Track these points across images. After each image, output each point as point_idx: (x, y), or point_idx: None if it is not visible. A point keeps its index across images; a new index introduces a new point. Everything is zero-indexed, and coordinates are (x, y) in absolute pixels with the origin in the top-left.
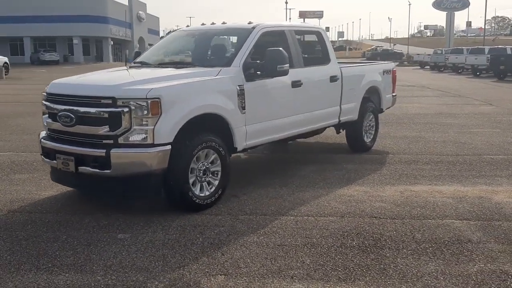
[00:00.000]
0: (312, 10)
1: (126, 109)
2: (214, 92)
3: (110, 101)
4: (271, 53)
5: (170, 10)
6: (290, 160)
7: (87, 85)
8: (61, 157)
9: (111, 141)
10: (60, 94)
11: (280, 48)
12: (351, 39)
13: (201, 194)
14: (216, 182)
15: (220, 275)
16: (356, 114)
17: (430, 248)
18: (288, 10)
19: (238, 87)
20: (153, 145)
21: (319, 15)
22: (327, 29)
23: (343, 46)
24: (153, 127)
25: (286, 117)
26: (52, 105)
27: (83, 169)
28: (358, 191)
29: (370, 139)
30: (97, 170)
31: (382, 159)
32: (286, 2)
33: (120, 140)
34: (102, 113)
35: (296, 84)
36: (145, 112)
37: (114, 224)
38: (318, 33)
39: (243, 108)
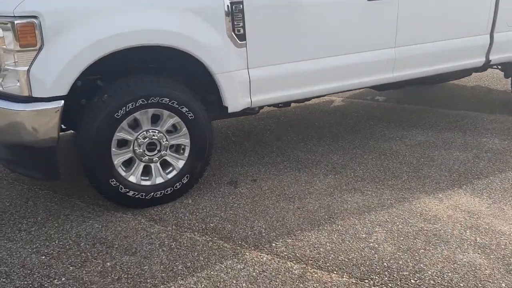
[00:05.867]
0: None
1: None
2: (163, 7)
3: None
4: None
5: None
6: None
7: None
8: None
9: None
10: None
11: None
12: None
13: (145, 183)
14: (180, 163)
15: None
16: None
17: None
18: None
19: None
20: (29, 99)
21: None
22: None
23: None
24: (26, 68)
25: (351, 54)
26: None
27: None
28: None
29: None
30: None
31: None
32: None
33: None
34: None
35: None
36: (14, 41)
37: (45, 215)
38: None
39: (241, 36)
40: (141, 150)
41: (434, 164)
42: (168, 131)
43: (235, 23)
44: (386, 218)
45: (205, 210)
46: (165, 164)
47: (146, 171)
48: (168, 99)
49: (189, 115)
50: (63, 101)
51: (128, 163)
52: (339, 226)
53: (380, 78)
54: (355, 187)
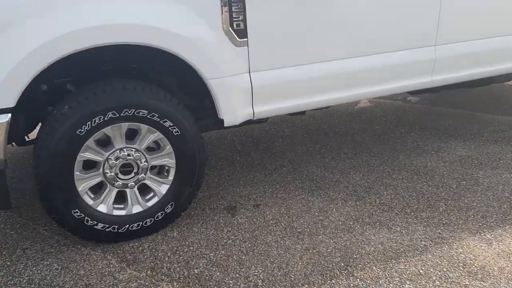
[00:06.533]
0: None
1: None
2: None
3: None
4: None
5: None
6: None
7: None
8: None
9: None
10: None
11: None
12: None
13: (118, 212)
14: (163, 188)
15: None
16: None
17: None
18: None
19: None
20: None
21: None
22: None
23: None
24: None
25: (380, 53)
26: None
27: None
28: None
29: None
30: None
31: None
32: None
33: None
34: None
35: None
36: None
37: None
38: None
39: (241, 32)
40: (112, 173)
41: (479, 190)
42: (149, 149)
43: (234, 15)
44: (419, 269)
45: (191, 248)
46: (145, 189)
47: (122, 196)
48: (146, 111)
49: (174, 130)
50: (10, 115)
51: (99, 187)
52: (358, 279)
53: (414, 83)
54: (381, 219)
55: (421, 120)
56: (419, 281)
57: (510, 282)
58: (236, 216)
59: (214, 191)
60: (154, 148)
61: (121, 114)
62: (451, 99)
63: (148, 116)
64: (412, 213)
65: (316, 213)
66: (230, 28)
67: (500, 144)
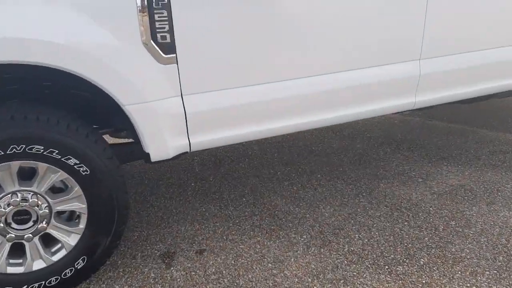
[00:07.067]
0: None
1: None
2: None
3: None
4: None
5: None
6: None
7: None
8: None
9: None
10: None
11: None
12: None
13: (14, 270)
14: (73, 239)
15: None
16: None
17: None
18: None
19: None
20: None
21: None
22: None
23: None
24: None
25: (351, 70)
26: None
27: None
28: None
29: None
30: None
31: None
32: None
33: None
34: None
35: None
36: None
37: None
38: None
39: (167, 46)
40: (2, 224)
41: (471, 234)
42: (56, 190)
43: (157, 25)
44: None
45: None
46: (52, 239)
47: (22, 248)
48: (41, 147)
49: (81, 169)
50: None
51: None
52: None
53: (394, 104)
54: (346, 275)
55: (411, 137)
56: None
57: None
58: (172, 268)
59: (154, 230)
60: (63, 189)
61: (7, 152)
62: (448, 111)
63: (44, 153)
64: (386, 267)
65: (270, 265)
66: (152, 42)
67: (499, 171)
